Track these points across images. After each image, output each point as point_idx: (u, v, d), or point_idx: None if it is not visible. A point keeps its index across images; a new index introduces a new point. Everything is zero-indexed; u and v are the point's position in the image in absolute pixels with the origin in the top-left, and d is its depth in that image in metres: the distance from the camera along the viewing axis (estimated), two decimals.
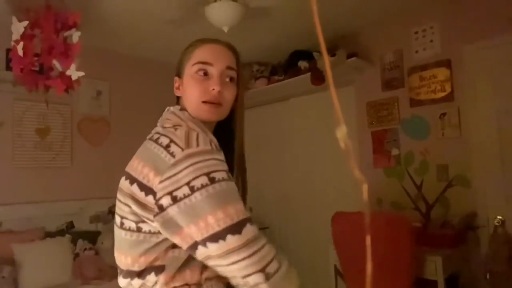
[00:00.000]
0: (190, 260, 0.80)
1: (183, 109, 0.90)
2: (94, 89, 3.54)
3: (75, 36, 2.42)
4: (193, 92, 0.89)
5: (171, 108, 0.91)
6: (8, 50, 2.80)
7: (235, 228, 0.71)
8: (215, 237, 0.71)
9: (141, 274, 0.80)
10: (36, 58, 2.41)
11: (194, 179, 0.73)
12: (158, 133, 0.83)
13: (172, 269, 0.79)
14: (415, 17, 3.04)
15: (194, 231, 0.73)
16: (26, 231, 2.84)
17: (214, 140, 0.83)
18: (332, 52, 3.23)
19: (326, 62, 0.34)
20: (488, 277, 2.37)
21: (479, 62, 2.71)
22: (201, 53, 0.91)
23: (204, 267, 0.81)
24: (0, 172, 2.99)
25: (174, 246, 0.79)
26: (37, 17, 2.38)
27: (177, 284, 0.79)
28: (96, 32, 3.15)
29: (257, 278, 0.71)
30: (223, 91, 0.89)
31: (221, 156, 0.80)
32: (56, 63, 2.41)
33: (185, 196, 0.73)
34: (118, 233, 0.84)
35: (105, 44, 3.47)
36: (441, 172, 2.85)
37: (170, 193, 0.74)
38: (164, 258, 0.79)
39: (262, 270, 0.72)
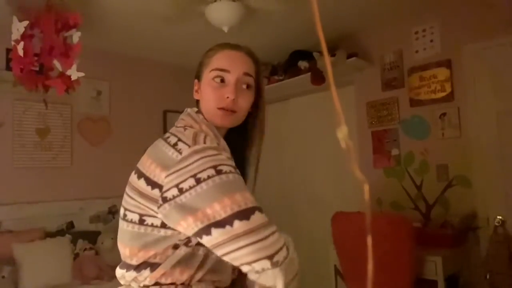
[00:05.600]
0: (183, 260, 0.80)
1: (199, 112, 0.93)
2: (94, 89, 3.54)
3: (75, 36, 2.41)
4: (209, 98, 0.91)
5: (188, 110, 0.94)
6: (8, 50, 2.79)
7: (243, 214, 0.72)
8: (221, 223, 0.71)
9: (137, 267, 0.82)
10: (36, 58, 2.41)
11: (200, 172, 0.74)
12: (169, 132, 0.86)
13: (165, 267, 0.80)
14: (415, 17, 3.04)
15: (199, 218, 0.73)
16: (26, 231, 2.84)
17: (224, 144, 0.86)
18: (332, 52, 3.23)
19: (327, 62, 0.34)
20: (488, 277, 2.37)
21: (479, 62, 2.71)
22: (219, 60, 0.92)
23: (199, 268, 0.81)
24: (0, 172, 2.98)
25: (174, 246, 0.80)
26: (37, 17, 2.37)
27: (163, 281, 0.80)
28: (96, 32, 3.14)
29: (263, 264, 0.71)
30: (237, 98, 0.91)
31: (228, 155, 0.82)
32: (56, 63, 2.41)
33: (191, 187, 0.73)
34: (121, 224, 0.86)
35: (105, 44, 3.47)
36: (441, 172, 2.85)
37: (176, 185, 0.75)
38: (162, 256, 0.80)
39: (270, 257, 0.71)
